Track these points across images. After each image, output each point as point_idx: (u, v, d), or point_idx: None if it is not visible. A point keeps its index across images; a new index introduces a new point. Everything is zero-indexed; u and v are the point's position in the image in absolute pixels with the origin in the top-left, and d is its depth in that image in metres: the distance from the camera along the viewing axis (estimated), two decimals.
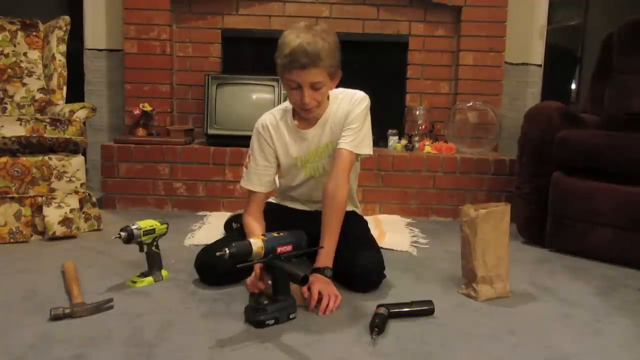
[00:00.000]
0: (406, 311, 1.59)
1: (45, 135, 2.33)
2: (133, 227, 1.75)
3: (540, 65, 3.41)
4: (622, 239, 2.17)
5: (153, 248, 1.83)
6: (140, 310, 1.60)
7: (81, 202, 2.42)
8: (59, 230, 2.30)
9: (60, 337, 1.41)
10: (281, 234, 1.58)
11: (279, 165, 1.92)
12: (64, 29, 2.77)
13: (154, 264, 1.84)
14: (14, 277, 1.86)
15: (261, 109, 2.97)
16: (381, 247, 2.03)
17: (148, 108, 3.05)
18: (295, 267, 1.52)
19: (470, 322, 1.59)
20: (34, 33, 2.77)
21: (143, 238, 1.78)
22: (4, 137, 2.24)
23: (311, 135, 1.86)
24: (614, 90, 2.62)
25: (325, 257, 1.73)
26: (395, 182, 2.92)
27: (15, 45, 2.72)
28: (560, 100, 2.55)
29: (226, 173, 2.90)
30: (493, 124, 3.10)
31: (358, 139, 1.79)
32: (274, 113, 1.91)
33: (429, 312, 1.61)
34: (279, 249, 1.53)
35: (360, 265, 1.77)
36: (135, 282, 1.80)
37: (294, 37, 1.64)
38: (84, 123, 2.50)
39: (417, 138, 3.13)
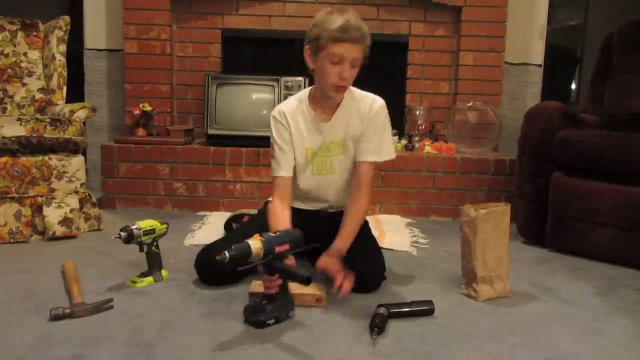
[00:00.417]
0: (406, 311, 1.59)
1: (45, 135, 2.33)
2: (133, 227, 1.75)
3: (540, 65, 3.41)
4: (622, 239, 2.17)
5: (153, 248, 1.83)
6: (140, 310, 1.60)
7: (81, 202, 2.42)
8: (59, 230, 2.30)
9: (60, 337, 1.41)
10: (278, 233, 1.58)
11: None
12: (64, 29, 2.77)
13: (154, 264, 1.84)
14: (14, 277, 1.86)
15: (261, 109, 2.99)
16: (381, 247, 2.03)
17: (148, 108, 3.05)
18: (296, 267, 1.53)
19: (470, 322, 1.59)
20: (34, 33, 2.77)
21: (143, 238, 1.78)
22: (4, 137, 2.24)
23: (327, 129, 1.87)
24: (614, 90, 2.62)
25: (342, 245, 1.77)
26: (395, 182, 2.92)
27: (15, 45, 2.72)
28: (560, 100, 2.55)
29: (226, 173, 2.90)
30: (493, 124, 3.10)
31: (379, 147, 1.87)
32: (289, 102, 1.91)
33: (429, 312, 1.61)
34: (277, 249, 1.52)
35: (361, 267, 1.77)
36: (135, 282, 1.80)
37: (339, 15, 1.68)
38: (84, 123, 2.50)
39: (417, 138, 3.13)
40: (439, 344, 1.44)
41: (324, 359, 1.35)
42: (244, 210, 2.53)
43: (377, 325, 1.47)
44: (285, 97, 1.92)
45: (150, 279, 1.82)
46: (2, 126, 2.26)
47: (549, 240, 2.38)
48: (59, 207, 2.33)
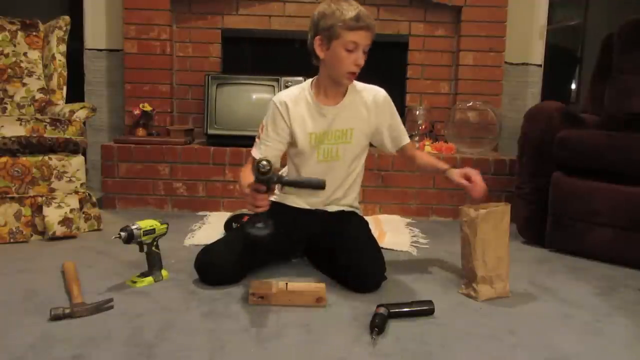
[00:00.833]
0: (406, 311, 1.59)
1: (45, 135, 2.33)
2: (133, 227, 1.75)
3: (540, 65, 3.41)
4: (622, 239, 2.17)
5: (153, 248, 1.83)
6: (140, 310, 1.60)
7: (81, 202, 2.42)
8: (59, 230, 2.30)
9: (60, 337, 1.41)
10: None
11: (296, 145, 1.92)
12: (64, 29, 2.77)
13: (154, 264, 1.84)
14: (14, 277, 1.86)
15: (261, 109, 2.97)
16: (381, 247, 2.03)
17: (148, 108, 3.05)
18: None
19: (470, 322, 1.59)
20: (34, 33, 2.77)
21: (143, 238, 1.78)
22: (4, 137, 2.24)
23: (332, 114, 1.90)
24: (614, 90, 2.62)
25: (444, 165, 1.98)
26: (395, 182, 2.92)
27: (15, 45, 2.72)
28: (560, 100, 2.55)
29: (226, 173, 2.90)
30: (493, 124, 3.09)
31: (399, 135, 2.02)
32: (292, 90, 1.96)
33: (429, 312, 1.61)
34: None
35: (361, 266, 1.78)
36: (135, 282, 1.80)
37: (348, 5, 1.77)
38: (84, 123, 2.50)
39: (417, 138, 3.12)
40: (439, 344, 1.44)
41: (324, 359, 1.35)
42: (244, 210, 2.52)
43: (377, 325, 1.47)
44: None
45: (150, 279, 1.82)
46: (2, 126, 2.26)
47: (549, 240, 2.38)
48: (59, 207, 2.33)
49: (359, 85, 1.95)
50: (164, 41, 3.15)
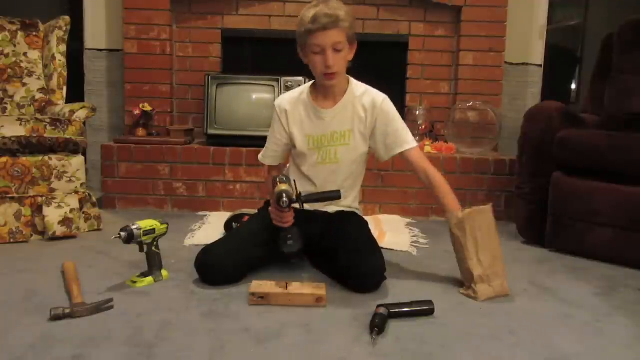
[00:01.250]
0: (406, 311, 1.59)
1: (45, 135, 2.33)
2: (133, 227, 1.75)
3: (540, 65, 3.41)
4: (622, 239, 2.17)
5: (153, 248, 1.83)
6: (140, 310, 1.60)
7: (81, 202, 2.42)
8: (59, 230, 2.30)
9: (60, 337, 1.41)
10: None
11: (295, 147, 1.97)
12: (64, 29, 2.77)
13: (154, 264, 1.84)
14: (14, 277, 1.86)
15: (261, 109, 2.98)
16: (381, 247, 2.03)
17: (148, 108, 3.05)
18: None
19: (470, 322, 1.59)
20: (34, 33, 2.77)
21: (143, 238, 1.78)
22: (4, 137, 2.24)
23: (330, 116, 1.90)
24: (614, 90, 2.62)
25: (454, 203, 1.82)
26: (395, 182, 2.92)
27: (15, 45, 2.72)
28: (560, 100, 2.54)
29: (226, 173, 2.90)
30: (493, 124, 3.09)
31: (407, 134, 1.93)
32: (293, 92, 2.00)
33: (429, 312, 1.61)
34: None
35: (362, 266, 1.78)
36: (135, 282, 1.80)
37: (313, 7, 1.77)
38: (84, 123, 2.50)
39: (417, 138, 3.11)
40: (439, 344, 1.44)
41: (324, 359, 1.35)
42: (244, 210, 2.53)
43: (377, 325, 1.47)
44: None
45: (150, 279, 1.82)
46: (2, 126, 2.26)
47: (549, 240, 2.38)
48: (59, 207, 2.33)
49: (360, 87, 1.94)
50: (164, 41, 3.15)
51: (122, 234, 1.73)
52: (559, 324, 1.61)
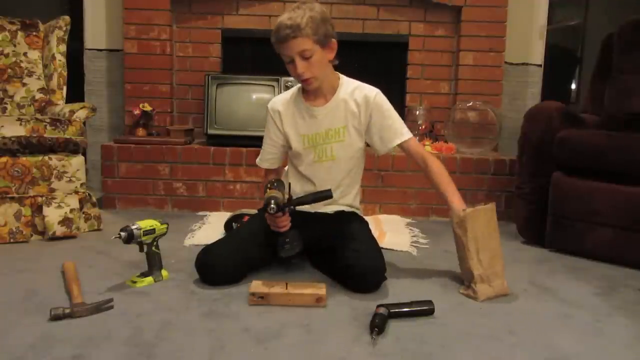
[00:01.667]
0: (406, 311, 1.59)
1: (45, 135, 2.33)
2: (133, 227, 1.75)
3: (540, 65, 3.41)
4: (622, 239, 2.17)
5: (153, 248, 1.83)
6: (140, 310, 1.60)
7: (81, 202, 2.42)
8: (59, 230, 2.30)
9: (60, 337, 1.41)
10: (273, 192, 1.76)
11: (290, 147, 1.97)
12: (64, 29, 2.77)
13: (154, 264, 1.84)
14: (14, 277, 1.86)
15: (261, 109, 2.96)
16: (381, 247, 2.03)
17: (148, 108, 3.05)
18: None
19: (470, 322, 1.59)
20: (34, 33, 2.77)
21: (143, 238, 1.78)
22: (4, 137, 2.24)
23: (322, 114, 1.91)
24: (614, 90, 2.62)
25: (458, 200, 1.81)
26: (395, 182, 2.92)
27: (15, 45, 2.72)
28: (560, 100, 2.54)
29: (226, 173, 2.90)
30: (493, 124, 3.09)
31: (402, 126, 1.93)
32: (286, 93, 2.01)
33: (429, 312, 1.61)
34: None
35: (362, 266, 1.78)
36: (135, 282, 1.80)
37: (280, 17, 1.77)
38: (84, 123, 2.50)
39: (417, 138, 3.11)
40: (439, 344, 1.44)
41: (324, 359, 1.35)
42: (244, 210, 2.53)
43: (377, 325, 1.47)
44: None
45: (150, 279, 1.82)
46: (2, 126, 2.26)
47: (549, 240, 2.38)
48: (59, 207, 2.33)
49: (352, 83, 1.94)
50: (164, 41, 3.15)
51: (122, 234, 1.73)
52: (559, 324, 1.61)
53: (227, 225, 2.42)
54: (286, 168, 2.10)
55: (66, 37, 2.78)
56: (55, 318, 1.50)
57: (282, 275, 1.90)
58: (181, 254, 2.11)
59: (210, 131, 2.96)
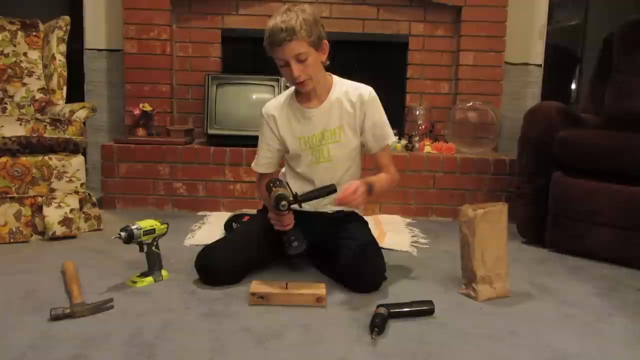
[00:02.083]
0: (406, 311, 1.59)
1: (45, 135, 2.33)
2: (133, 227, 1.75)
3: (540, 65, 3.41)
4: (622, 239, 2.17)
5: (153, 248, 1.83)
6: (140, 310, 1.60)
7: (81, 202, 2.42)
8: (59, 230, 2.30)
9: (60, 337, 1.41)
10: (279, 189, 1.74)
11: (288, 150, 1.97)
12: (64, 29, 2.77)
13: (154, 264, 1.84)
14: (14, 277, 1.86)
15: (261, 109, 2.98)
16: (381, 247, 2.03)
17: (148, 108, 3.05)
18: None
19: (470, 322, 1.59)
20: (34, 33, 2.77)
21: (143, 238, 1.78)
22: (4, 137, 2.24)
23: (317, 115, 1.90)
24: (614, 90, 2.62)
25: (373, 177, 1.83)
26: None
27: (15, 45, 2.72)
28: (560, 100, 2.54)
29: (226, 173, 2.90)
30: (493, 124, 3.10)
31: (382, 131, 1.92)
32: (279, 97, 2.01)
33: (429, 312, 1.61)
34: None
35: (362, 266, 1.78)
36: (135, 282, 1.80)
37: (272, 20, 1.76)
38: (84, 123, 2.50)
39: (417, 138, 3.12)
40: (439, 344, 1.44)
41: (324, 359, 1.35)
42: (244, 210, 2.53)
43: (377, 325, 1.47)
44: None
45: (150, 279, 1.82)
46: (2, 126, 2.26)
47: (549, 240, 2.38)
48: (59, 207, 2.33)
49: (345, 83, 1.93)
50: (164, 41, 3.15)
51: (122, 234, 1.73)
52: (559, 324, 1.61)
53: (227, 225, 2.42)
54: (283, 169, 2.10)
55: (66, 37, 2.78)
56: (55, 318, 1.50)
57: (282, 275, 1.90)
58: (181, 254, 2.11)
59: (210, 131, 2.96)
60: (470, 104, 3.12)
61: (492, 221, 1.75)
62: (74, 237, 2.34)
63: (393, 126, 3.24)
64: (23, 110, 2.69)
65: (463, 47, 3.19)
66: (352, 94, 1.89)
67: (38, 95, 2.72)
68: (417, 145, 3.09)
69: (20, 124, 2.29)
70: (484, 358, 1.39)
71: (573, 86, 3.74)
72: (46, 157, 2.33)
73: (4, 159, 2.25)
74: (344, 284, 1.81)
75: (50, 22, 2.79)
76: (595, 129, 2.47)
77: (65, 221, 2.32)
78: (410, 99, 3.30)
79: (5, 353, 1.33)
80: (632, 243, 2.14)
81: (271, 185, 1.75)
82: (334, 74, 1.96)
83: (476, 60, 3.18)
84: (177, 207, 2.93)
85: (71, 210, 2.34)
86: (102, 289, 1.74)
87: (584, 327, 1.60)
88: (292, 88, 1.95)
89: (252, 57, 3.34)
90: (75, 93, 3.12)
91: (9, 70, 2.69)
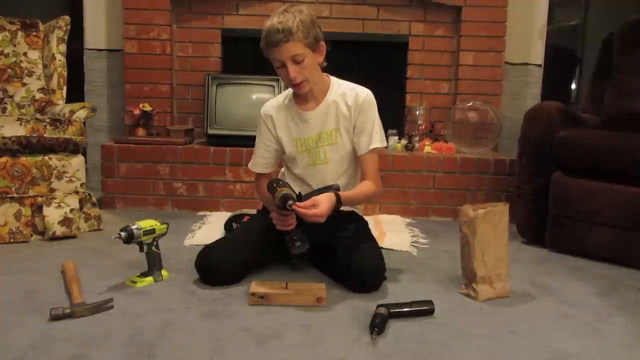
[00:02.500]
0: (406, 311, 1.59)
1: (45, 135, 2.33)
2: (133, 227, 1.75)
3: (540, 65, 3.41)
4: (622, 239, 2.17)
5: (153, 248, 1.83)
6: (140, 310, 1.60)
7: (81, 202, 2.42)
8: (59, 230, 2.30)
9: (60, 337, 1.41)
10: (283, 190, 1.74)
11: (284, 152, 1.97)
12: (64, 29, 2.77)
13: (154, 264, 1.84)
14: (14, 277, 1.86)
15: (261, 108, 2.97)
16: (381, 247, 2.03)
17: (148, 108, 3.05)
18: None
19: (470, 322, 1.59)
20: (34, 33, 2.77)
21: (143, 238, 1.78)
22: (4, 137, 2.24)
23: (314, 118, 1.90)
24: (614, 90, 2.62)
25: (342, 194, 1.79)
26: (395, 182, 2.92)
27: (15, 45, 2.72)
28: (560, 100, 2.54)
29: (226, 173, 2.90)
30: (493, 124, 3.10)
31: (372, 138, 1.90)
32: (277, 98, 2.01)
33: (429, 312, 1.61)
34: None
35: (361, 266, 1.78)
36: (135, 282, 1.80)
37: (269, 21, 1.75)
38: (84, 123, 2.50)
39: (417, 138, 3.12)
40: (439, 344, 1.44)
41: (324, 359, 1.35)
42: (244, 210, 2.53)
43: (377, 325, 1.47)
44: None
45: (150, 279, 1.82)
46: (2, 126, 2.26)
47: (549, 240, 2.38)
48: (59, 207, 2.33)
49: (342, 85, 1.93)
50: (164, 41, 3.15)
51: (122, 234, 1.73)
52: (559, 324, 1.61)
53: (227, 225, 2.42)
54: (282, 169, 2.10)
55: (66, 37, 2.78)
56: (55, 318, 1.50)
57: (282, 275, 1.90)
58: (181, 254, 2.11)
59: (210, 131, 2.96)
60: (470, 104, 3.12)
61: (493, 221, 1.75)
62: (74, 237, 2.34)
63: (393, 126, 3.25)
64: (23, 110, 2.69)
65: (463, 47, 3.19)
66: (349, 96, 1.89)
67: (38, 95, 2.72)
68: (417, 145, 3.09)
69: (20, 124, 2.29)
70: (484, 358, 1.39)
71: (573, 86, 3.74)
72: (46, 157, 2.33)
73: (4, 159, 2.25)
74: (343, 284, 1.81)
75: (50, 22, 2.79)
76: (595, 129, 2.47)
77: (65, 221, 2.32)
78: (410, 99, 3.30)
79: (5, 353, 1.33)
80: (632, 243, 2.15)
81: (274, 185, 1.74)
82: (333, 74, 1.96)
83: (476, 60, 3.18)
84: (177, 207, 2.93)
85: (71, 210, 2.35)
86: (102, 289, 1.74)
87: (584, 327, 1.60)
88: (289, 91, 1.95)
89: (252, 57, 3.33)
90: (75, 93, 3.12)
91: (9, 70, 2.69)
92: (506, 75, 3.27)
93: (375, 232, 2.16)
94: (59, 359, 1.31)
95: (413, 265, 2.11)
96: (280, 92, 2.88)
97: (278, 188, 1.71)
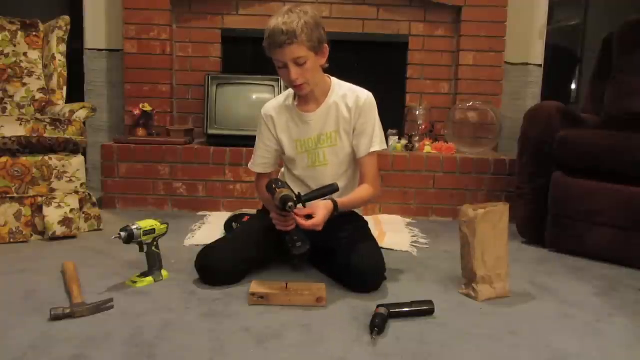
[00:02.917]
0: (406, 311, 1.59)
1: (45, 135, 2.33)
2: (133, 227, 1.75)
3: (540, 65, 3.41)
4: (622, 239, 2.17)
5: (153, 248, 1.83)
6: (140, 310, 1.60)
7: (81, 202, 2.42)
8: (59, 230, 2.30)
9: (60, 337, 1.41)
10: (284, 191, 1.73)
11: (284, 152, 1.97)
12: (64, 29, 2.77)
13: (154, 264, 1.84)
14: (14, 277, 1.86)
15: (261, 109, 2.98)
16: (381, 247, 2.03)
17: (148, 108, 3.05)
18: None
19: (470, 322, 1.59)
20: (34, 33, 2.77)
21: (143, 238, 1.78)
22: (4, 137, 2.24)
23: (314, 119, 1.90)
24: (614, 90, 2.62)
25: (339, 200, 1.80)
26: (395, 182, 2.92)
27: (15, 45, 2.72)
28: (560, 100, 2.54)
29: (226, 173, 2.90)
30: (493, 124, 3.10)
31: (372, 138, 1.89)
32: (278, 99, 2.00)
33: (429, 312, 1.61)
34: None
35: (361, 266, 1.78)
36: (135, 282, 1.80)
37: (273, 20, 1.74)
38: (84, 123, 2.50)
39: (417, 138, 3.12)
40: (439, 344, 1.44)
41: (323, 359, 1.35)
42: (244, 210, 2.53)
43: (377, 325, 1.47)
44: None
45: (150, 279, 1.82)
46: (2, 126, 2.26)
47: (549, 240, 2.38)
48: (59, 207, 2.33)
49: (343, 87, 1.92)
50: (164, 41, 3.15)
51: (122, 234, 1.73)
52: (559, 324, 1.61)
53: (227, 225, 2.42)
54: (282, 170, 2.10)
55: (66, 37, 2.78)
56: (55, 318, 1.50)
57: (282, 275, 1.90)
58: (181, 254, 2.11)
59: (210, 131, 2.96)
60: (470, 104, 3.12)
61: (493, 221, 1.75)
62: (74, 237, 2.35)
63: (393, 126, 3.25)
64: (23, 110, 2.69)
65: (463, 47, 3.19)
66: (349, 98, 1.88)
67: (38, 95, 2.72)
68: (417, 145, 3.09)
69: (20, 124, 2.29)
70: (484, 358, 1.39)
71: (573, 86, 3.74)
72: (46, 157, 2.33)
73: (4, 159, 2.25)
74: (343, 284, 1.81)
75: (50, 22, 2.79)
76: (595, 129, 2.47)
77: (65, 221, 2.32)
78: (410, 99, 3.30)
79: (5, 353, 1.33)
80: (632, 243, 2.15)
81: (273, 186, 1.74)
82: (333, 74, 1.95)
83: (476, 60, 3.18)
84: (177, 207, 2.93)
85: (71, 210, 2.35)
86: (102, 289, 1.74)
87: (584, 327, 1.60)
88: (290, 91, 1.95)
89: (252, 57, 3.34)
90: (75, 93, 3.12)
91: (9, 70, 2.69)
92: (506, 75, 3.27)
93: (375, 232, 2.16)
94: (59, 359, 1.31)
95: (413, 265, 2.11)
96: (280, 92, 2.88)
97: (277, 189, 1.71)
